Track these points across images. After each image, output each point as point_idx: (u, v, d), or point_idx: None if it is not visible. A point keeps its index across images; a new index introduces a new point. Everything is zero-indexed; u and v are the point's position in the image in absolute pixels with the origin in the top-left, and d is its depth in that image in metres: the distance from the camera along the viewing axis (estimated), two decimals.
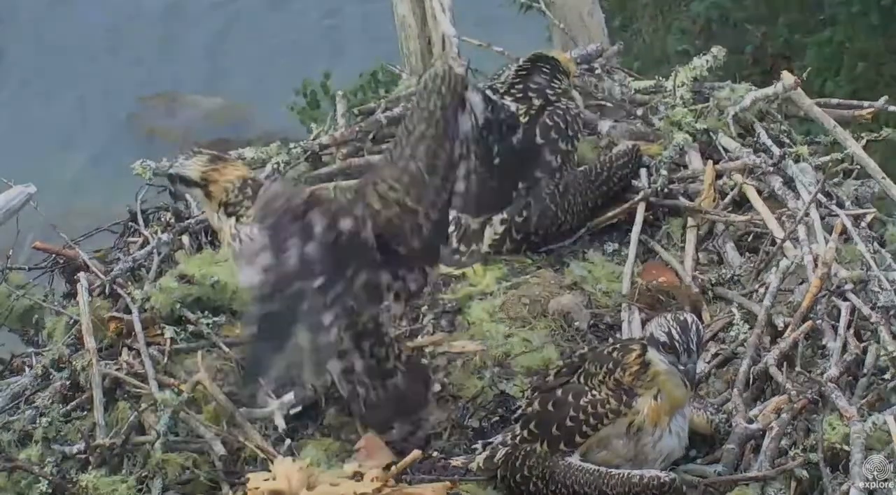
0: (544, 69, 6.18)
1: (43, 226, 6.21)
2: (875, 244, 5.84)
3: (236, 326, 5.66)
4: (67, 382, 5.44)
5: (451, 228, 5.97)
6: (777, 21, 11.25)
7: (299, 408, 5.27)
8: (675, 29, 11.89)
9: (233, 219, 5.04)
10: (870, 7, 10.19)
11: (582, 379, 4.71)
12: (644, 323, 5.50)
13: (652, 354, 4.56)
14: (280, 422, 5.16)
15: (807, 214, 5.80)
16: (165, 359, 5.46)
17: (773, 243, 5.82)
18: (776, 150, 6.28)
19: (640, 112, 6.79)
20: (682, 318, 4.52)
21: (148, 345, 5.48)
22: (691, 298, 5.65)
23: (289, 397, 5.22)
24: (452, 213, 5.30)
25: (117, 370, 5.40)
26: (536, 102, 6.06)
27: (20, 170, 6.53)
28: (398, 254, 4.95)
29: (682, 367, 4.49)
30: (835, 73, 10.40)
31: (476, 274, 5.87)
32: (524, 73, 6.17)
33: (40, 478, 4.98)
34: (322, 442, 5.17)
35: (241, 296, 5.67)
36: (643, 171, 6.27)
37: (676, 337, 4.47)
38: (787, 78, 6.59)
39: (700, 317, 5.51)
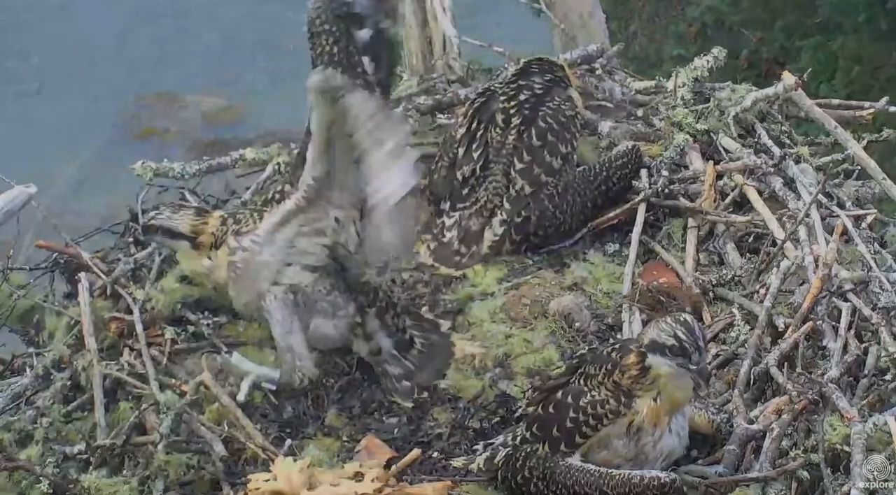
0: (541, 70, 6.19)
1: (43, 227, 6.21)
2: (876, 245, 5.85)
3: (237, 326, 5.68)
4: (68, 383, 5.44)
5: (455, 233, 6.00)
6: (774, 25, 11.26)
7: (273, 387, 5.33)
8: (671, 33, 11.91)
9: (227, 242, 5.23)
10: (876, 14, 10.17)
11: (581, 381, 4.71)
12: (645, 324, 5.50)
13: (653, 359, 4.55)
14: (245, 388, 5.25)
15: (807, 215, 5.80)
16: (165, 359, 5.47)
17: (774, 244, 5.82)
18: (777, 151, 6.29)
19: (640, 113, 6.79)
20: (683, 319, 4.53)
21: (149, 345, 5.49)
22: (692, 299, 5.65)
23: (271, 372, 5.31)
24: None
25: (118, 370, 5.41)
26: (523, 96, 6.08)
27: (20, 170, 6.51)
28: None
29: (694, 367, 4.50)
30: (829, 76, 10.40)
31: (477, 274, 5.88)
32: (520, 72, 6.20)
33: (41, 479, 4.98)
34: (323, 441, 5.18)
35: None
36: (644, 172, 6.26)
37: (684, 338, 4.48)
38: (788, 78, 6.59)
39: (701, 318, 5.53)
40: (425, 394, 5.33)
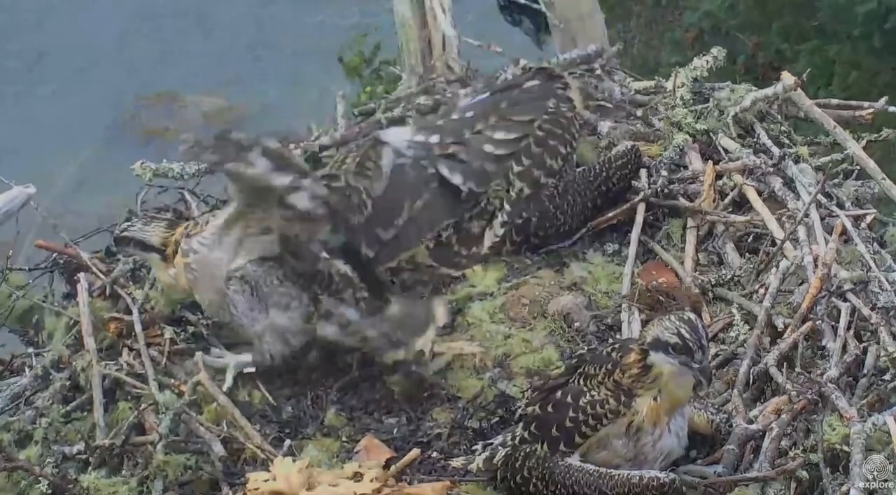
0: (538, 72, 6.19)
1: (42, 227, 6.21)
2: (875, 245, 5.84)
3: None
4: (67, 383, 5.44)
5: (450, 231, 5.99)
6: (770, 28, 11.25)
7: (252, 369, 5.35)
8: (667, 40, 11.92)
9: (181, 246, 5.28)
10: (872, 31, 10.14)
11: (581, 381, 4.71)
12: (644, 323, 5.50)
13: (655, 357, 4.55)
14: (229, 378, 5.29)
15: (807, 215, 5.79)
16: (164, 359, 5.47)
17: (773, 244, 5.81)
18: (776, 151, 6.28)
19: (639, 112, 6.79)
20: (686, 317, 4.53)
21: (148, 345, 5.49)
22: (691, 299, 5.64)
23: (245, 357, 5.35)
24: None
25: (117, 371, 5.41)
26: None
27: (20, 170, 6.52)
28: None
29: (696, 365, 4.50)
30: (827, 82, 10.39)
31: (476, 274, 5.87)
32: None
33: (40, 479, 4.98)
34: (322, 442, 5.18)
35: None
36: (643, 172, 6.26)
37: (688, 336, 4.47)
38: (787, 78, 6.59)
39: (700, 318, 5.52)
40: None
